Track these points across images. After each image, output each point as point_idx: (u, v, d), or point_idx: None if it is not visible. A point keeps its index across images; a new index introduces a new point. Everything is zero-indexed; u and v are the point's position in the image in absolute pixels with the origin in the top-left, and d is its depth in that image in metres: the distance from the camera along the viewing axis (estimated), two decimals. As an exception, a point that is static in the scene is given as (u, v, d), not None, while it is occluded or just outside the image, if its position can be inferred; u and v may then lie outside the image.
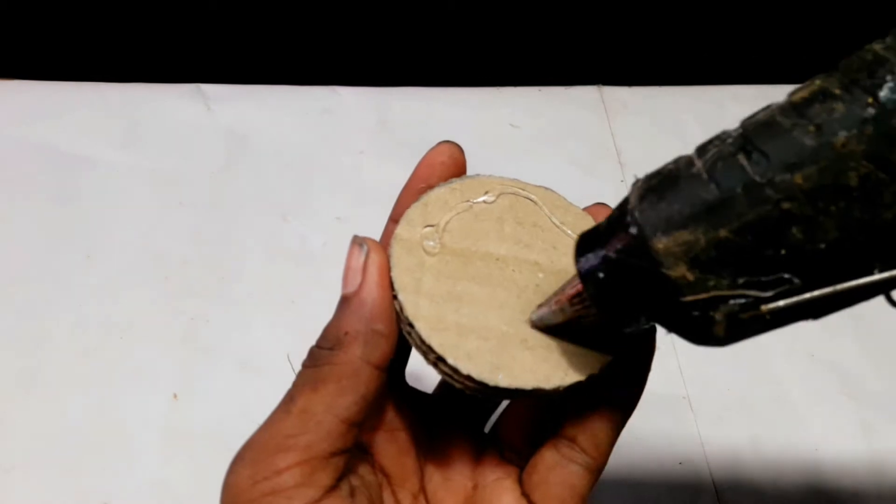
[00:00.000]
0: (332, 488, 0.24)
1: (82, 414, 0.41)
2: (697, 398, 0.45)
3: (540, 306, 0.26)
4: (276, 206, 0.51)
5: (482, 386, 0.24)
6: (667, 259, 0.20)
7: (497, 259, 0.27)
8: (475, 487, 0.28)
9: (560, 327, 0.25)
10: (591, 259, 0.22)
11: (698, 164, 0.20)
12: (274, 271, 0.48)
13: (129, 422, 0.41)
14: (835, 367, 0.47)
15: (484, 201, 0.28)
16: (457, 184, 0.28)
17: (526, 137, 0.57)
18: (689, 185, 0.20)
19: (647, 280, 0.20)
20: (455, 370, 0.24)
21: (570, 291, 0.24)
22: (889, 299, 0.20)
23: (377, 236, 0.30)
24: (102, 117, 0.54)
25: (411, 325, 0.25)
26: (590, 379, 0.25)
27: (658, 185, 0.21)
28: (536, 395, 0.25)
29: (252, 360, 0.44)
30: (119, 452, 0.40)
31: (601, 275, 0.22)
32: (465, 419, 0.31)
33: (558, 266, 0.27)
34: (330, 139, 0.56)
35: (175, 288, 0.46)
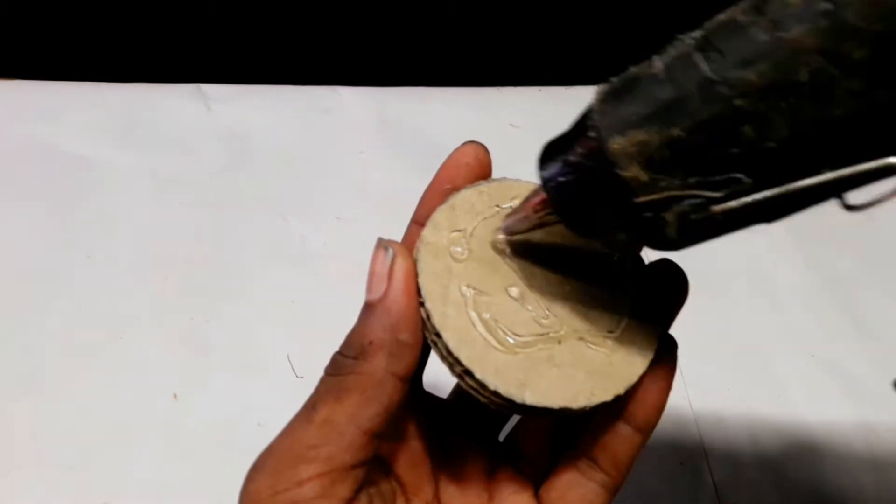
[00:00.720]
0: (351, 500, 0.24)
1: (82, 414, 0.41)
2: (697, 398, 0.45)
3: (507, 216, 0.26)
4: (276, 206, 0.51)
5: (508, 402, 0.24)
6: (621, 159, 0.20)
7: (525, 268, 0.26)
8: (491, 500, 0.28)
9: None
10: (554, 166, 0.22)
11: (658, 64, 0.20)
12: (274, 271, 0.48)
13: (129, 422, 0.41)
14: (835, 367, 0.47)
15: (511, 206, 0.27)
16: (484, 187, 0.27)
17: (526, 137, 0.57)
18: (646, 86, 0.20)
19: (604, 183, 0.21)
20: (482, 385, 0.24)
21: (535, 199, 0.24)
22: (842, 201, 0.20)
23: (379, 236, 0.30)
24: (102, 117, 0.54)
25: (438, 335, 0.24)
26: (615, 399, 0.25)
27: (619, 87, 0.21)
28: (562, 414, 0.24)
29: (252, 360, 0.44)
30: (119, 452, 0.40)
31: (562, 179, 0.22)
32: (480, 428, 0.30)
33: (590, 275, 0.27)
34: (330, 139, 0.56)
35: (175, 288, 0.46)
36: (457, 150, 0.28)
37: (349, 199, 0.52)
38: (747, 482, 0.42)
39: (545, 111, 0.59)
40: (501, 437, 0.31)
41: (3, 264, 0.46)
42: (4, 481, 0.39)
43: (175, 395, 0.42)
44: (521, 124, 0.58)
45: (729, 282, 0.50)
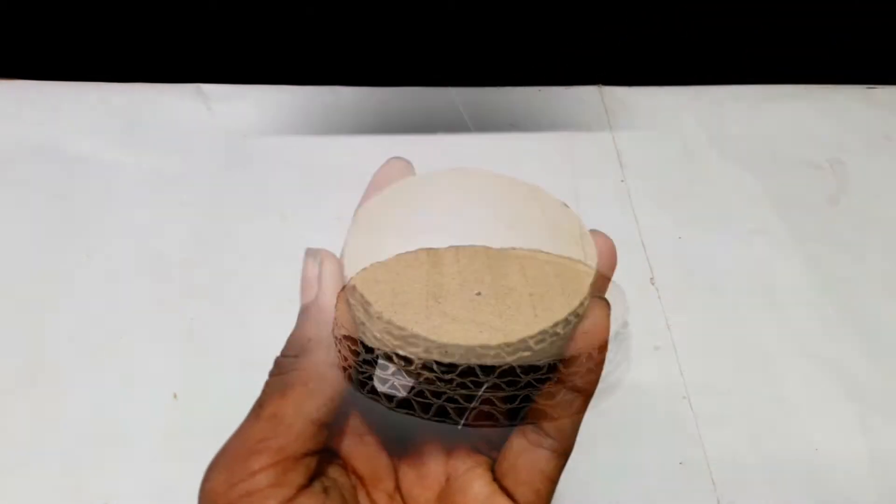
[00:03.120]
0: (305, 486, 0.25)
1: (82, 414, 0.41)
2: (697, 398, 0.45)
3: None
4: (276, 206, 0.51)
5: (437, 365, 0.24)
6: None
7: None
8: (448, 479, 0.29)
9: None
10: None
11: None
12: (274, 271, 0.48)
13: (129, 422, 0.41)
14: (835, 367, 0.47)
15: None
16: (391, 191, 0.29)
17: (526, 137, 0.57)
18: None
19: None
20: (407, 359, 0.24)
21: None
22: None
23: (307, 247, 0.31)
24: (102, 117, 0.54)
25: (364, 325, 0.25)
26: (556, 325, 0.25)
27: None
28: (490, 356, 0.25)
29: (252, 360, 0.44)
30: (119, 452, 0.40)
31: None
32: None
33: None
34: (330, 139, 0.56)
35: (175, 288, 0.46)
36: (383, 165, 0.30)
37: (349, 199, 0.52)
38: (747, 482, 0.42)
39: (545, 111, 0.59)
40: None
41: (3, 264, 0.46)
42: (4, 481, 0.39)
43: (175, 395, 0.42)
44: (521, 124, 0.58)
45: (729, 282, 0.50)
